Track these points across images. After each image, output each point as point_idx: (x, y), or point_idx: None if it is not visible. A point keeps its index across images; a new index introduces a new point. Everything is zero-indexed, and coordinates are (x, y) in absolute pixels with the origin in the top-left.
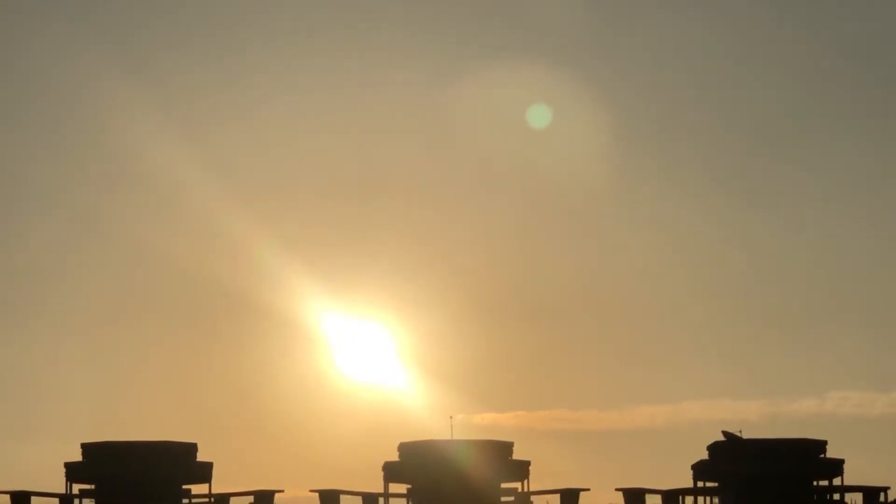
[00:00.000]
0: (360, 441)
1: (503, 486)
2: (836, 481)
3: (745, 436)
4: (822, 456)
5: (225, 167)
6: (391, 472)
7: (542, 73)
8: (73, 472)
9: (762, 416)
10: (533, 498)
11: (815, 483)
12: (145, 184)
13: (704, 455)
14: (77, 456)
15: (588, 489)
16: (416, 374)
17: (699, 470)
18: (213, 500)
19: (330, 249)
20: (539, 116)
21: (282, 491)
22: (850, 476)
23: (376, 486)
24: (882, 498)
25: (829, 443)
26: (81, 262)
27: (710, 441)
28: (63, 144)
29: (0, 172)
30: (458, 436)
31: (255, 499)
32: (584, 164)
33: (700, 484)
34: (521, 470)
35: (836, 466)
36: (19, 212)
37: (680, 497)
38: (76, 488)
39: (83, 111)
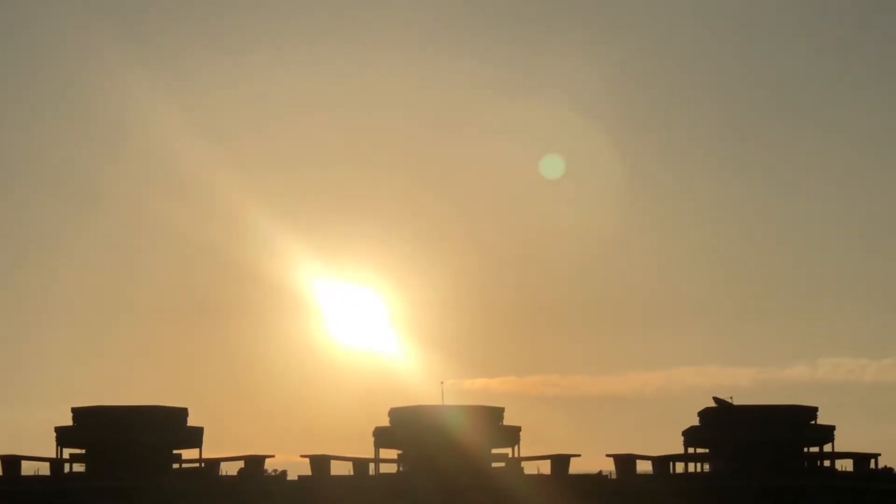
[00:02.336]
0: (351, 406)
1: (494, 451)
2: (827, 448)
3: (737, 402)
4: (813, 422)
5: (220, 134)
6: (382, 437)
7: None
8: (64, 436)
9: (753, 383)
10: (524, 463)
11: (805, 449)
12: (140, 152)
13: (695, 421)
14: (67, 420)
15: (579, 455)
16: (407, 340)
17: (690, 436)
18: (203, 464)
19: (322, 216)
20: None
21: (272, 456)
22: (841, 442)
23: (367, 451)
24: (872, 464)
25: (820, 409)
26: (74, 230)
27: (702, 407)
28: (61, 115)
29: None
30: (449, 401)
31: (245, 464)
32: (576, 136)
33: (691, 450)
34: (512, 435)
35: (827, 433)
36: (19, 183)
37: (671, 463)
38: (67, 452)
39: (80, 82)
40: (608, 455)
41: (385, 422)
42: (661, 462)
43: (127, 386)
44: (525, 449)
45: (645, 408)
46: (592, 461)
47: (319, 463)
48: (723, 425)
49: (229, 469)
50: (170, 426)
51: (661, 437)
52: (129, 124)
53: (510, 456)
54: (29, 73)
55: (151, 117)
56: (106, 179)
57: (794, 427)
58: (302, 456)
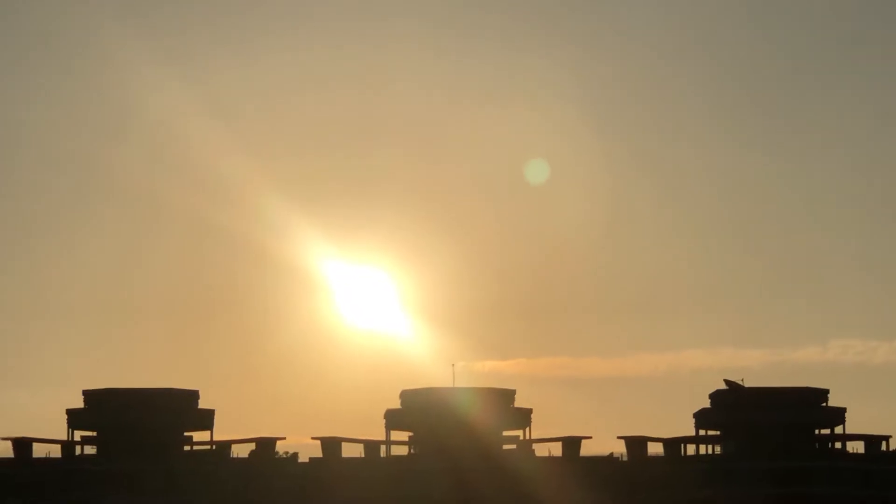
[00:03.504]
0: (362, 388)
1: (505, 433)
2: (838, 430)
3: (748, 384)
4: (824, 404)
5: (229, 116)
6: (393, 419)
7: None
8: (75, 418)
9: (764, 365)
10: (535, 446)
11: (816, 431)
12: (149, 132)
13: (706, 403)
14: (79, 403)
15: (590, 437)
16: (418, 321)
17: (701, 418)
18: (214, 447)
19: (332, 196)
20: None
21: (283, 438)
22: (852, 424)
23: (378, 433)
24: (884, 447)
25: (830, 391)
26: (84, 210)
27: (713, 389)
28: (68, 94)
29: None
30: (460, 383)
31: (256, 446)
32: (575, 122)
33: (702, 432)
34: (523, 418)
35: (838, 415)
36: (30, 171)
37: (682, 445)
38: (78, 435)
39: (87, 61)
40: (619, 437)
41: (396, 404)
42: (673, 444)
43: (138, 368)
44: (536, 431)
45: (656, 390)
46: (604, 443)
47: (330, 445)
48: (734, 407)
49: (240, 451)
50: (181, 408)
51: (672, 419)
52: (138, 109)
53: (521, 438)
54: (33, 57)
55: (161, 101)
56: (114, 165)
57: (806, 409)
58: (313, 438)
